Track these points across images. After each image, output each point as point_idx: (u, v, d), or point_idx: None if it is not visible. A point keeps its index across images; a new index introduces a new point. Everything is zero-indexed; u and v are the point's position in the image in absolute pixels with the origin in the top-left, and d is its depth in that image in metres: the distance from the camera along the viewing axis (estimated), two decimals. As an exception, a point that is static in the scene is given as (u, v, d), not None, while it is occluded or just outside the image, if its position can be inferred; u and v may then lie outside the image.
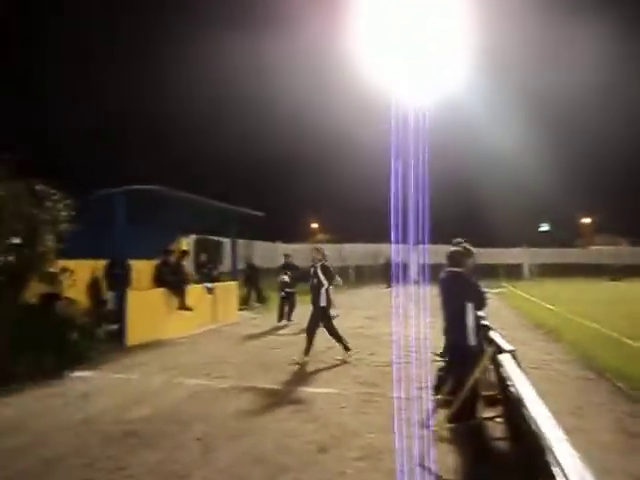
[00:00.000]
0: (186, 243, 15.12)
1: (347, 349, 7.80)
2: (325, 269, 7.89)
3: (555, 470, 1.72)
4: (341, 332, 7.86)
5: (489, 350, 4.00)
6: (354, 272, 29.01)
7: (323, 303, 7.70)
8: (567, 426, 2.37)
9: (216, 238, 20.05)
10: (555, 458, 1.77)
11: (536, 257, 34.08)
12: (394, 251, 25.52)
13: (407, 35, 11.69)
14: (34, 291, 7.48)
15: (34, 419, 5.07)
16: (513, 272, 30.49)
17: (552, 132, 40.64)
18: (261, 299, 15.79)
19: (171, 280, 10.46)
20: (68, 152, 28.15)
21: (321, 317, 7.76)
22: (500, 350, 3.68)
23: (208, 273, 12.88)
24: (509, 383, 2.97)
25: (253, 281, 15.76)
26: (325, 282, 7.78)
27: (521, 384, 2.75)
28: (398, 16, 11.68)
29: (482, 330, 4.67)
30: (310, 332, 7.68)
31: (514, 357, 3.45)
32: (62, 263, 7.33)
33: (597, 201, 40.95)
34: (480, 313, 4.78)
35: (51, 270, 7.12)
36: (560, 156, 38.03)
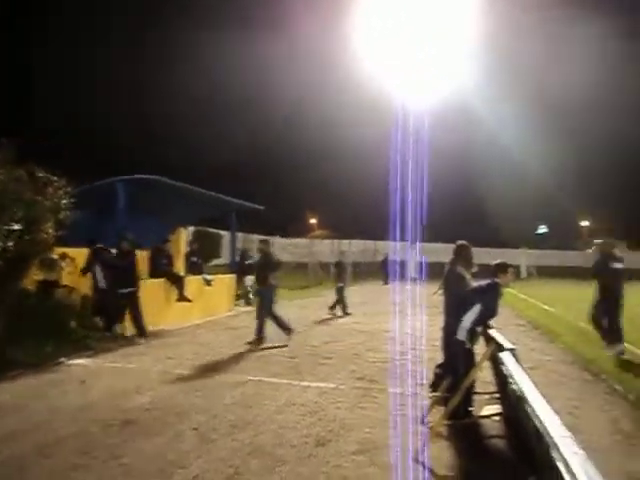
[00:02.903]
0: (184, 234, 15.06)
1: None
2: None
3: (559, 466, 1.73)
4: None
5: (489, 348, 4.01)
6: (352, 268, 28.96)
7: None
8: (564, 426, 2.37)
9: (215, 230, 20.03)
10: (560, 454, 1.78)
11: (534, 258, 34.18)
12: (392, 248, 25.57)
13: (413, 35, 11.67)
14: (33, 278, 7.46)
15: (31, 405, 5.07)
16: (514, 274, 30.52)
17: (555, 134, 40.64)
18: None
19: (166, 270, 10.42)
20: (68, 140, 28.09)
21: None
22: (500, 348, 3.69)
23: (196, 262, 12.75)
24: (510, 381, 2.98)
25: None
26: None
27: (523, 382, 2.75)
28: (405, 16, 11.67)
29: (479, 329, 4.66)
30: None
31: (514, 355, 3.46)
32: (62, 250, 7.29)
33: (597, 205, 41.01)
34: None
35: (51, 257, 7.09)
36: (564, 159, 38.06)
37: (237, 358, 7.41)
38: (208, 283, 11.65)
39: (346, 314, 12.56)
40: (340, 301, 12.74)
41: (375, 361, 7.28)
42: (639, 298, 10.89)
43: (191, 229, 17.84)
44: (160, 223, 11.93)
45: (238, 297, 14.20)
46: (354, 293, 19.65)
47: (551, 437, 1.94)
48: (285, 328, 8.61)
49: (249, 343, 8.31)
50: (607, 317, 7.45)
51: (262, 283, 8.69)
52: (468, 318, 4.57)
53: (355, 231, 31.75)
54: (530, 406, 2.40)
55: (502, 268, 4.77)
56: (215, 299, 12.21)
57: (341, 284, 12.82)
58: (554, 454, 1.83)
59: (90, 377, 6.18)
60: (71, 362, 6.97)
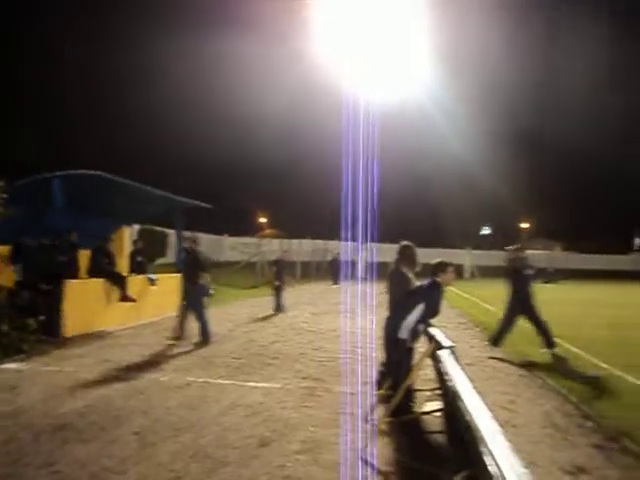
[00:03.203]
0: (129, 233, 14.62)
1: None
2: None
3: (487, 460, 1.79)
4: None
5: (429, 346, 4.11)
6: (301, 268, 29.04)
7: None
8: (499, 420, 2.47)
9: (160, 229, 19.57)
10: (488, 449, 1.84)
11: (477, 259, 35.43)
12: (342, 248, 25.79)
13: (368, 38, 11.83)
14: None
15: (-44, 413, 4.77)
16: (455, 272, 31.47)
17: (504, 137, 42.25)
18: None
19: (107, 269, 10.06)
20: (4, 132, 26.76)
21: None
22: (439, 346, 3.80)
23: (141, 262, 12.38)
24: (447, 378, 3.06)
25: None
26: None
27: (459, 379, 2.84)
28: (361, 18, 11.80)
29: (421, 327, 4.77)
30: None
31: (453, 353, 3.56)
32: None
33: (541, 207, 43.00)
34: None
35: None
36: (512, 161, 39.66)
37: (182, 359, 7.25)
38: (152, 283, 11.35)
39: (280, 311, 12.69)
40: (278, 299, 12.86)
41: (322, 360, 7.31)
42: (571, 296, 11.49)
43: (136, 227, 17.34)
44: (102, 221, 11.52)
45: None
46: (303, 293, 19.73)
47: (479, 431, 2.01)
48: (205, 335, 8.46)
49: (194, 344, 8.17)
50: (531, 321, 7.74)
51: (191, 282, 8.52)
52: (412, 317, 4.66)
53: (307, 231, 31.78)
54: (462, 401, 2.47)
55: (442, 267, 4.90)
56: (161, 299, 11.89)
57: (278, 282, 12.86)
58: (482, 448, 1.90)
59: (22, 382, 5.87)
60: (1, 367, 6.60)
